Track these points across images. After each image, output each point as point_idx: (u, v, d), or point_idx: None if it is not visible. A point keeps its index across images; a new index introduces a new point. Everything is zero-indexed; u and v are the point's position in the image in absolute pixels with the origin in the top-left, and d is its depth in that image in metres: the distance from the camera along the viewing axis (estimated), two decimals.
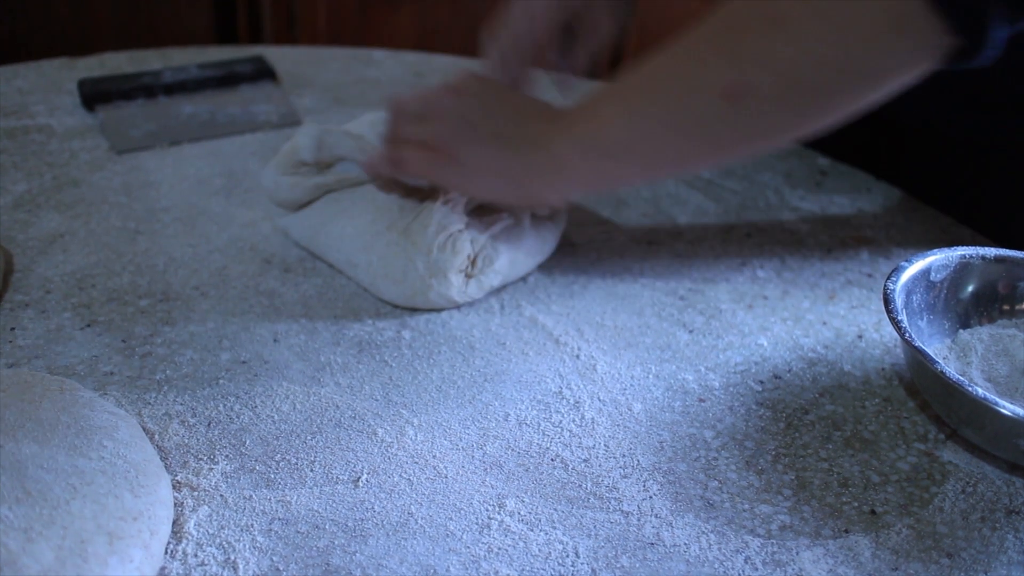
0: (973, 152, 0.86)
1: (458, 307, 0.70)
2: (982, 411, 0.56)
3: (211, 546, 0.50)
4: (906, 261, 0.65)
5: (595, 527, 0.53)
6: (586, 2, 0.75)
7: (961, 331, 0.66)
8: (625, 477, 0.57)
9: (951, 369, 0.59)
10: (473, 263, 0.69)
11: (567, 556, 0.51)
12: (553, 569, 0.51)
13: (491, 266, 0.70)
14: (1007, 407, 0.54)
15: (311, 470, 0.56)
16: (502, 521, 0.53)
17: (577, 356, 0.66)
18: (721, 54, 0.57)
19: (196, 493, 0.53)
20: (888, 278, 0.63)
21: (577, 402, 0.62)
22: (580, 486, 0.56)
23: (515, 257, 0.71)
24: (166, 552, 0.50)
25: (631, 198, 0.85)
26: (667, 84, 0.60)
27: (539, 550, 0.52)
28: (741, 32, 0.56)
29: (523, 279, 0.74)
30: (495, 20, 0.74)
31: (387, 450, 0.57)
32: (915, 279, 0.64)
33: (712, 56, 0.57)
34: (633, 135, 0.61)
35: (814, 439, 0.61)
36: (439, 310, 0.70)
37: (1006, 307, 0.66)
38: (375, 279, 0.69)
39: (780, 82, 0.55)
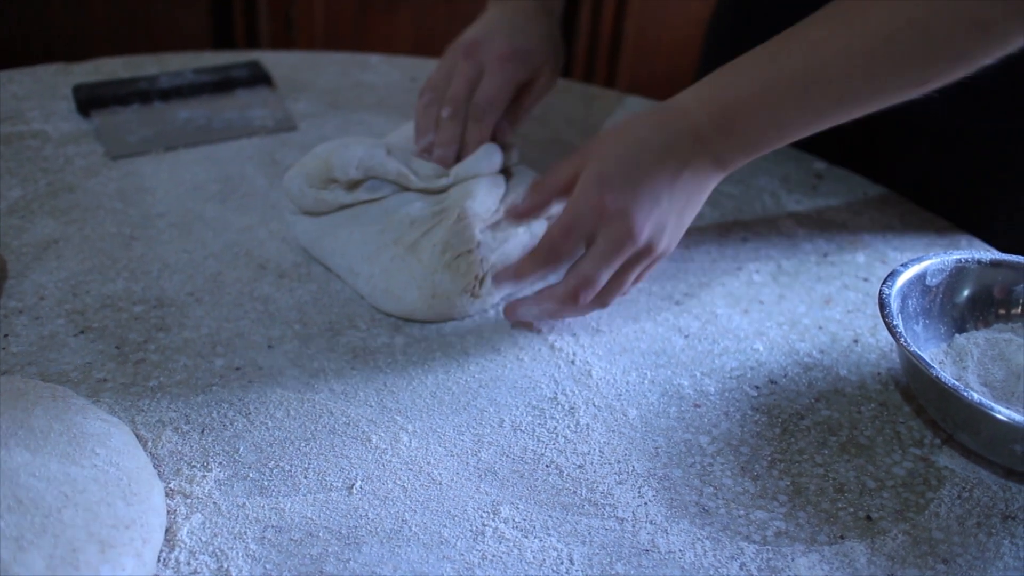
0: (971, 156, 0.86)
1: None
2: (978, 416, 0.56)
3: (204, 554, 0.50)
4: (902, 265, 0.65)
5: (590, 534, 0.53)
6: (534, 72, 0.77)
7: (957, 335, 0.66)
8: (620, 483, 0.57)
9: (947, 374, 0.59)
10: (480, 283, 0.69)
11: (561, 563, 0.51)
12: None
13: (498, 287, 0.70)
14: (1003, 412, 0.54)
15: (305, 477, 0.55)
16: (496, 528, 0.53)
17: (572, 361, 0.66)
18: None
19: (189, 501, 0.53)
20: (884, 282, 0.63)
21: (572, 408, 0.62)
22: (575, 492, 0.56)
23: None
24: (159, 560, 0.49)
25: None
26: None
27: (533, 557, 0.51)
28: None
29: None
30: (434, 78, 0.76)
31: (381, 457, 0.57)
32: (911, 283, 0.64)
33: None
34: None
35: (810, 444, 0.60)
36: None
37: (1002, 311, 0.66)
38: (374, 291, 0.69)
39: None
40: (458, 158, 0.74)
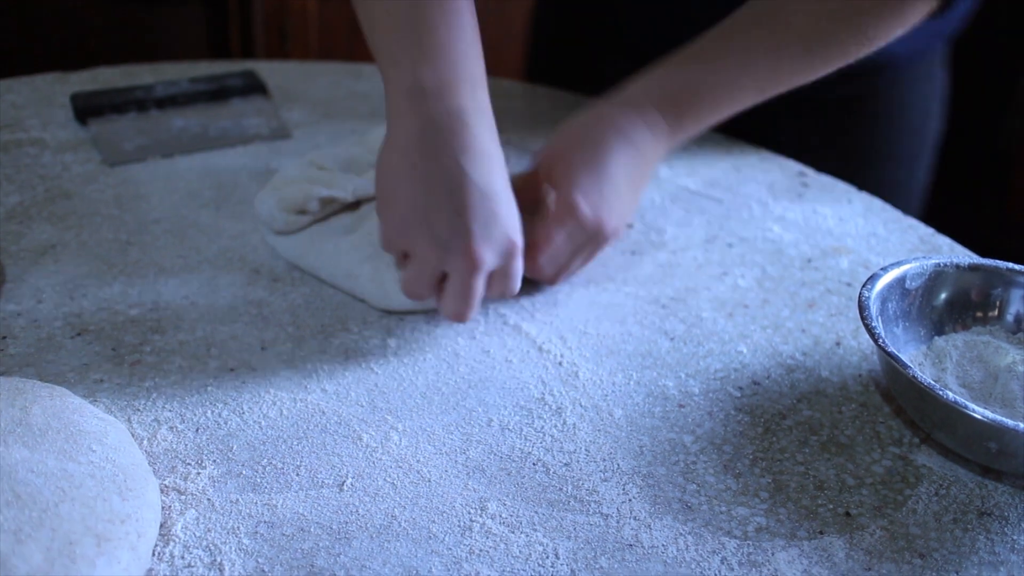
0: (952, 164, 0.88)
1: None
2: (954, 415, 0.57)
3: (198, 548, 0.51)
4: (882, 269, 0.66)
5: (575, 529, 0.54)
6: None
7: (936, 338, 0.67)
8: (605, 481, 0.58)
9: (926, 375, 0.60)
10: None
11: (547, 557, 0.52)
12: (533, 570, 0.52)
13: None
14: (977, 410, 0.56)
15: (297, 474, 0.57)
16: (484, 524, 0.54)
17: (560, 363, 0.67)
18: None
19: (184, 497, 0.54)
20: (864, 286, 0.64)
21: (559, 408, 0.63)
22: (561, 489, 0.57)
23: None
24: (153, 554, 0.51)
25: None
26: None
27: (520, 552, 0.53)
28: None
29: None
30: None
31: (372, 455, 0.58)
32: (890, 287, 0.66)
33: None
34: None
35: (791, 443, 0.62)
36: (427, 318, 0.71)
37: (979, 314, 0.68)
38: (381, 286, 0.70)
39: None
40: None
